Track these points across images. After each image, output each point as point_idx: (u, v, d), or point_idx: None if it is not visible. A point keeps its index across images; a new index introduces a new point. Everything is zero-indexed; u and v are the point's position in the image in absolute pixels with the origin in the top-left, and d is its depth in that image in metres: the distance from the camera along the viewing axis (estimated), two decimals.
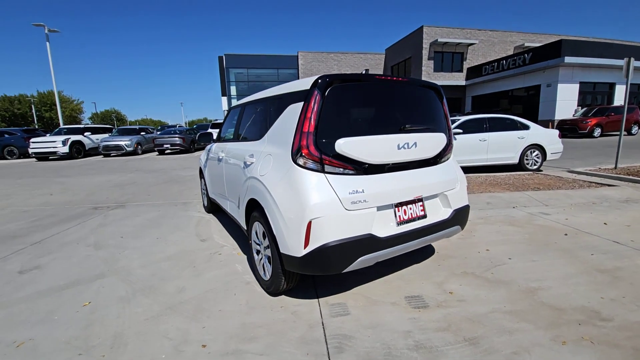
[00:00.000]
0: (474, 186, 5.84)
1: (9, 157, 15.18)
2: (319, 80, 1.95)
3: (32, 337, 1.90)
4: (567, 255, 2.85)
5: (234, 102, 28.99)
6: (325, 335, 1.85)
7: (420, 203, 2.27)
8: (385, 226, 2.07)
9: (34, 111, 45.80)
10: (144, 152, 15.97)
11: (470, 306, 2.11)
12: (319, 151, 1.89)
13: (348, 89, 2.06)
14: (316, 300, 2.24)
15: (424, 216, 2.27)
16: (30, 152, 13.55)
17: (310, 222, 1.83)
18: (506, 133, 7.28)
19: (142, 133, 16.28)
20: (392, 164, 2.14)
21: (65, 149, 13.44)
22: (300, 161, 1.92)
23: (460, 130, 7.05)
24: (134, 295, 2.35)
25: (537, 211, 4.22)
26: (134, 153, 14.93)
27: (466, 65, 24.06)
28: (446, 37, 22.88)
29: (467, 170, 7.62)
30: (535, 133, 7.37)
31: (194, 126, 20.87)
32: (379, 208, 2.03)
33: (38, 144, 13.40)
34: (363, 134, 2.07)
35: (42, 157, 13.78)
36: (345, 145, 1.94)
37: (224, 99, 27.95)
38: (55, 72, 18.77)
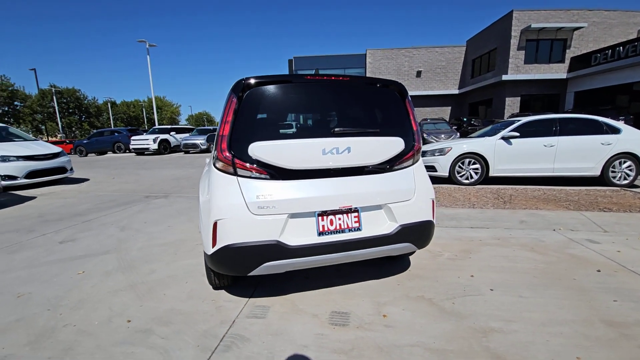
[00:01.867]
0: (519, 201, 4.95)
1: (117, 152, 19.03)
2: (237, 84, 1.99)
3: (31, 292, 2.46)
4: (576, 296, 2.23)
5: None
6: (226, 333, 1.91)
7: (355, 214, 2.10)
8: (300, 235, 1.99)
9: (144, 113, 56.64)
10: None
11: (393, 334, 1.87)
12: (231, 154, 1.95)
13: (270, 92, 2.05)
14: (247, 299, 2.29)
15: (358, 229, 2.09)
16: (130, 148, 16.84)
17: (215, 223, 1.91)
18: (584, 138, 5.91)
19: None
20: (316, 170, 2.04)
21: (155, 146, 16.26)
22: (218, 164, 2.01)
23: (517, 134, 6.02)
24: (116, 271, 2.80)
25: (584, 237, 3.36)
26: (207, 150, 17.11)
27: (569, 54, 20.00)
28: (543, 21, 19.42)
29: (524, 181, 6.48)
30: (629, 138, 5.79)
31: None
32: (293, 215, 1.97)
33: (136, 141, 16.56)
34: (286, 137, 2.03)
35: (139, 152, 16.93)
36: (259, 150, 1.95)
37: None
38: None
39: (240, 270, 1.95)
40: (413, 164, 2.32)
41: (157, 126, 19.76)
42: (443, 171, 6.48)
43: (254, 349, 1.77)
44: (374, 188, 2.12)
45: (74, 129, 47.83)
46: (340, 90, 2.19)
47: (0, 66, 79.51)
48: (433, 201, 2.34)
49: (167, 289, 2.47)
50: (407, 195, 2.19)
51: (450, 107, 27.32)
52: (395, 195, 2.15)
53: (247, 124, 1.99)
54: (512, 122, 6.32)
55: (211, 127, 19.69)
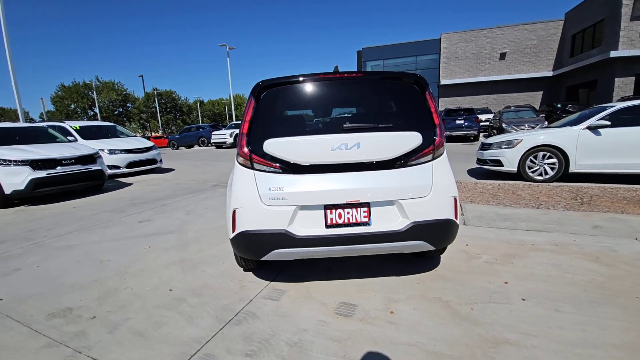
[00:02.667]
0: (602, 202, 4.15)
1: (201, 145, 21.56)
2: (255, 87, 2.17)
3: (109, 259, 3.11)
4: (631, 318, 1.86)
5: None
6: (241, 310, 2.15)
7: (365, 209, 2.10)
8: (308, 226, 2.08)
9: (226, 110, 62.76)
10: None
11: (394, 331, 1.85)
12: (249, 150, 2.15)
13: (284, 92, 2.17)
14: (268, 282, 2.51)
15: (367, 223, 2.09)
16: (211, 142, 18.92)
17: (234, 211, 2.14)
18: None
19: None
20: (325, 165, 2.09)
21: (231, 140, 18.00)
22: (238, 159, 2.23)
23: (608, 123, 4.98)
24: (172, 249, 3.32)
25: None
26: None
27: None
28: None
29: (617, 179, 5.35)
30: None
31: None
32: (303, 207, 2.07)
33: (216, 135, 18.56)
34: (297, 134, 2.14)
35: (218, 145, 18.93)
36: (272, 146, 2.10)
37: None
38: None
39: (254, 255, 2.16)
40: (433, 159, 2.19)
41: (234, 122, 21.80)
42: (511, 166, 5.76)
43: (259, 326, 1.96)
44: (385, 183, 2.08)
45: (170, 125, 56.09)
46: (353, 87, 2.19)
47: (116, 74, 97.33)
48: (455, 199, 2.18)
49: (207, 266, 2.86)
50: (421, 192, 2.09)
51: (541, 92, 23.60)
52: (408, 192, 2.08)
53: (263, 122, 2.16)
54: (603, 109, 5.23)
55: None
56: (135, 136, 10.15)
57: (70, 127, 8.58)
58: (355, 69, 28.93)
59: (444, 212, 2.13)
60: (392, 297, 2.23)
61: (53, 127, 8.04)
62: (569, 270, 2.47)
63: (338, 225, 2.09)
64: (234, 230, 2.17)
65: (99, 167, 6.48)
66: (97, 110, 36.86)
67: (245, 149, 2.16)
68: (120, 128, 9.96)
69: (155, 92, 44.00)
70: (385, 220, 2.11)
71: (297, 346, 1.77)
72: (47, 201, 5.88)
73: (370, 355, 1.68)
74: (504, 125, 12.01)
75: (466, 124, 13.51)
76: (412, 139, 2.12)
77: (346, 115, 2.21)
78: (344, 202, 2.07)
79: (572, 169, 5.28)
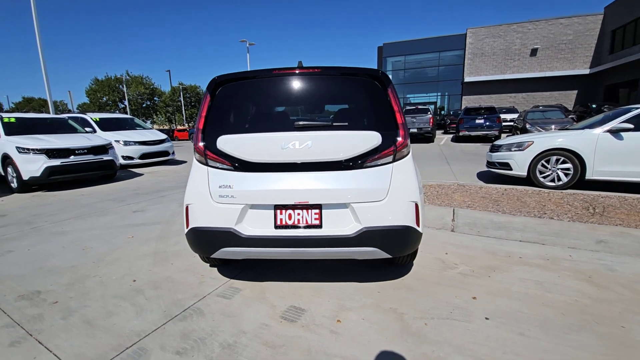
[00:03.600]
0: (617, 214, 3.77)
1: None
2: (210, 82, 2.12)
3: (92, 247, 3.22)
4: (606, 349, 1.64)
5: None
6: (191, 306, 2.13)
7: (316, 211, 2.00)
8: (257, 225, 2.02)
9: None
10: None
11: (332, 341, 1.76)
12: (204, 146, 2.11)
13: (239, 88, 2.10)
14: (228, 280, 2.48)
15: (319, 226, 2.00)
16: None
17: (187, 207, 2.12)
18: None
19: None
20: (275, 163, 2.02)
21: None
22: (195, 155, 2.21)
23: (631, 126, 4.50)
24: (153, 240, 3.39)
25: None
26: None
27: None
28: None
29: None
30: None
31: None
32: (253, 206, 2.01)
33: None
34: (249, 131, 2.07)
35: None
36: (224, 142, 2.05)
37: None
38: None
39: (203, 252, 2.13)
40: (394, 161, 2.05)
41: None
42: (520, 170, 5.37)
43: (201, 324, 1.94)
44: (337, 185, 1.97)
45: (194, 118, 57.92)
46: (310, 83, 2.08)
47: (146, 68, 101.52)
48: (417, 205, 2.04)
49: (177, 259, 2.88)
50: (376, 196, 1.97)
51: (576, 92, 21.99)
52: (362, 195, 1.96)
53: (218, 118, 2.12)
54: (627, 111, 4.72)
55: None
56: (151, 129, 10.55)
57: (91, 119, 9.06)
58: (375, 66, 28.35)
59: (402, 218, 1.99)
60: (345, 304, 2.12)
61: (75, 118, 8.53)
62: (552, 289, 2.24)
63: (288, 227, 2.01)
64: (187, 226, 2.15)
65: (110, 158, 6.79)
66: (126, 103, 38.78)
67: (200, 145, 2.13)
68: (137, 120, 10.39)
69: (181, 86, 45.55)
70: (337, 224, 2.00)
71: (230, 348, 1.72)
72: (61, 188, 6.25)
73: None
74: (527, 125, 11.25)
75: (487, 123, 12.80)
76: (369, 139, 1.99)
77: (300, 112, 2.12)
78: (293, 203, 1.99)
79: (589, 175, 4.84)
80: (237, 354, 1.68)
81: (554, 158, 5.05)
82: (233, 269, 2.63)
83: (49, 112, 11.63)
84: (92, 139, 6.78)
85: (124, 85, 39.26)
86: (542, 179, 5.20)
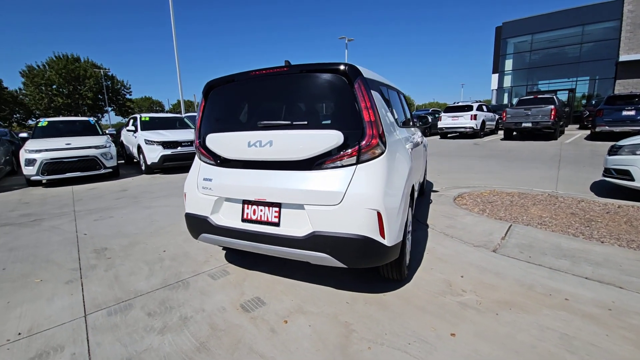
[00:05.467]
0: None
1: None
2: (205, 86, 2.36)
3: (159, 221, 4.05)
4: None
5: (507, 80, 24.04)
6: (184, 279, 2.48)
7: (276, 209, 2.01)
8: (228, 217, 2.17)
9: None
10: None
11: (264, 340, 1.76)
12: (199, 143, 2.39)
13: (225, 90, 2.26)
14: (226, 263, 2.74)
15: (277, 224, 2.00)
16: None
17: (185, 194, 2.46)
18: None
19: None
20: (243, 160, 2.10)
21: None
22: (196, 151, 2.51)
23: None
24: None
25: None
26: None
27: None
28: None
29: None
30: None
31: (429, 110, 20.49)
32: (228, 199, 2.17)
33: None
34: (228, 130, 2.22)
35: None
36: (210, 140, 2.27)
37: (494, 77, 24.06)
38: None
39: (192, 234, 2.42)
40: (358, 163, 1.85)
41: None
42: None
43: (179, 296, 2.24)
44: (293, 185, 1.93)
45: None
46: (278, 82, 2.07)
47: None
48: (379, 214, 1.79)
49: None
50: (329, 200, 1.83)
51: None
52: (314, 197, 1.86)
53: (208, 118, 2.36)
54: None
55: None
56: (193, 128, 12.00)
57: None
58: (491, 50, 24.28)
59: (357, 227, 1.79)
60: (305, 307, 2.07)
61: (192, 117, 10.57)
62: (581, 351, 1.61)
63: (251, 221, 2.10)
64: (185, 210, 2.50)
65: None
66: None
67: (197, 142, 2.42)
68: (186, 120, 11.73)
69: None
70: (293, 225, 1.97)
71: (183, 321, 1.95)
72: (172, 172, 7.95)
73: (215, 353, 1.69)
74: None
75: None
76: (328, 139, 1.86)
77: (271, 111, 2.12)
78: (254, 199, 2.06)
79: None
80: (185, 327, 1.90)
81: None
82: (236, 254, 2.89)
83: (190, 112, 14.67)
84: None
85: None
86: None
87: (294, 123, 1.98)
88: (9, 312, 2.12)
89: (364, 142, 1.83)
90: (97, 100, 38.39)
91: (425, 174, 4.66)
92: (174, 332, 1.86)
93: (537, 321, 1.84)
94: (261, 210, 2.07)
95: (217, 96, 2.35)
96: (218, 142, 2.24)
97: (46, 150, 6.26)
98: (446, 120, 14.72)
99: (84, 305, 2.17)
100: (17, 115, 36.16)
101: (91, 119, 8.22)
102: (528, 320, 1.85)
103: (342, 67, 1.88)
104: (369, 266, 1.94)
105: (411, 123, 3.88)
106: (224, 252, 2.97)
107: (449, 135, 16.00)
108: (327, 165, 1.88)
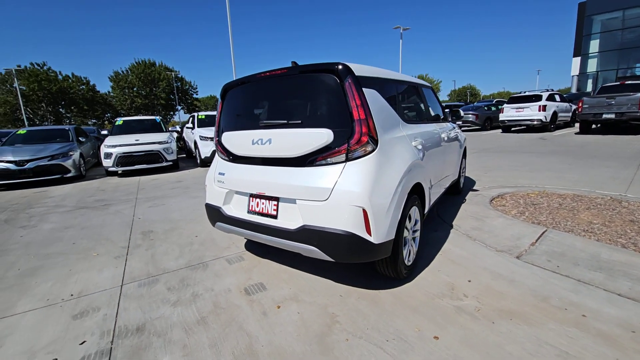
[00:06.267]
0: None
1: None
2: (222, 88, 2.59)
3: (198, 209, 4.53)
4: None
5: (591, 65, 20.42)
6: (205, 262, 2.79)
7: (275, 202, 2.15)
8: (237, 208, 2.38)
9: None
10: None
11: (255, 322, 1.93)
12: (218, 141, 2.64)
13: (237, 91, 2.46)
14: (243, 250, 3.00)
15: (275, 216, 2.15)
16: None
17: (205, 186, 2.75)
18: None
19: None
20: (248, 157, 2.28)
21: None
22: (216, 147, 2.78)
23: None
24: None
25: None
26: None
27: None
28: None
29: None
30: None
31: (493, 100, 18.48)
32: (237, 192, 2.39)
33: None
34: (237, 129, 2.42)
35: None
36: (224, 138, 2.50)
37: (575, 61, 20.60)
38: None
39: (210, 222, 2.70)
40: (347, 160, 1.89)
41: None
42: None
43: (197, 276, 2.54)
44: (288, 181, 2.05)
45: None
46: (278, 83, 2.19)
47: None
48: (365, 211, 1.82)
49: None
50: (318, 195, 1.90)
51: None
52: (306, 192, 1.95)
53: (224, 118, 2.60)
54: None
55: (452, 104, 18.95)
56: None
57: None
58: (573, 29, 20.94)
59: (343, 223, 1.85)
60: (300, 295, 2.19)
61: None
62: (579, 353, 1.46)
63: (255, 213, 2.28)
64: (206, 200, 2.80)
65: None
66: None
67: (216, 140, 2.69)
68: None
69: None
70: (288, 218, 2.09)
71: (194, 297, 2.23)
72: None
73: (214, 328, 1.91)
74: None
75: None
76: (319, 137, 1.93)
77: (273, 111, 2.24)
78: (256, 193, 2.23)
79: None
80: (193, 302, 2.17)
81: None
82: (254, 243, 3.13)
83: None
84: None
85: None
86: None
87: (290, 122, 2.09)
88: (69, 277, 2.64)
89: (352, 140, 1.87)
90: (169, 100, 43.14)
91: (460, 171, 4.38)
92: (184, 306, 2.14)
93: (537, 335, 1.69)
94: (263, 203, 2.24)
95: (231, 97, 2.57)
96: (230, 140, 2.47)
97: (120, 145, 7.39)
98: (509, 112, 13.30)
99: (123, 277, 2.61)
100: (108, 114, 42.54)
101: (157, 117, 9.38)
102: (526, 332, 1.71)
103: (333, 67, 1.93)
104: (356, 262, 1.99)
105: (441, 117, 3.69)
106: (245, 240, 3.23)
107: (512, 129, 14.47)
108: (319, 162, 1.96)
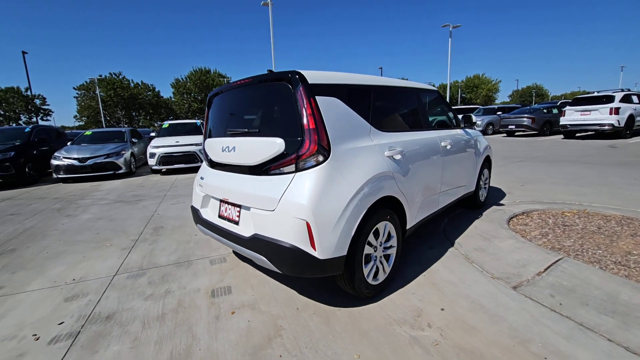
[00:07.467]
0: None
1: None
2: (208, 97, 2.70)
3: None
4: None
5: None
6: (192, 260, 2.93)
7: (238, 209, 2.18)
8: (211, 212, 2.46)
9: (459, 94, 57.77)
10: (494, 132, 15.94)
11: (205, 323, 1.98)
12: (203, 146, 2.77)
13: (217, 99, 2.55)
14: (230, 252, 3.09)
15: (237, 222, 2.17)
16: None
17: (193, 189, 2.90)
18: None
19: (498, 113, 16.23)
20: (218, 163, 2.34)
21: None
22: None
23: None
24: None
25: None
26: (484, 133, 15.51)
27: None
28: None
29: None
30: None
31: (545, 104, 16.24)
32: (213, 197, 2.47)
33: None
34: (215, 136, 2.50)
35: None
36: (206, 144, 2.61)
37: None
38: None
39: (195, 222, 2.83)
40: (297, 170, 1.84)
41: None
42: None
43: (178, 273, 2.69)
44: (245, 188, 2.06)
45: None
46: (244, 92, 2.23)
47: (358, 68, 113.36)
48: (308, 225, 1.74)
49: None
50: (268, 205, 1.88)
51: None
52: (257, 201, 1.95)
53: (208, 125, 2.72)
54: None
55: (496, 107, 17.37)
56: None
57: None
58: None
59: (288, 235, 1.80)
60: (258, 304, 2.18)
61: None
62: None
63: (223, 218, 2.34)
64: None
65: None
66: None
67: (202, 146, 2.82)
68: None
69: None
70: (246, 225, 2.10)
71: (166, 293, 2.37)
72: None
73: (163, 328, 2.00)
74: None
75: None
76: (271, 146, 1.92)
77: (240, 120, 2.27)
78: (222, 199, 2.29)
79: None
80: (163, 298, 2.30)
81: None
82: None
83: None
84: None
85: None
86: None
87: (250, 130, 2.11)
88: (79, 264, 2.99)
89: (302, 150, 1.81)
90: None
91: (480, 182, 3.97)
92: (153, 300, 2.28)
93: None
94: (229, 209, 2.29)
95: (214, 105, 2.68)
96: (209, 146, 2.57)
97: (162, 146, 8.16)
98: (572, 116, 11.66)
99: (119, 268, 2.87)
100: (171, 117, 47.33)
101: (198, 121, 10.14)
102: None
103: (287, 75, 1.89)
104: (302, 276, 1.92)
105: (449, 124, 3.40)
106: None
107: (577, 135, 12.67)
108: (273, 171, 1.94)
